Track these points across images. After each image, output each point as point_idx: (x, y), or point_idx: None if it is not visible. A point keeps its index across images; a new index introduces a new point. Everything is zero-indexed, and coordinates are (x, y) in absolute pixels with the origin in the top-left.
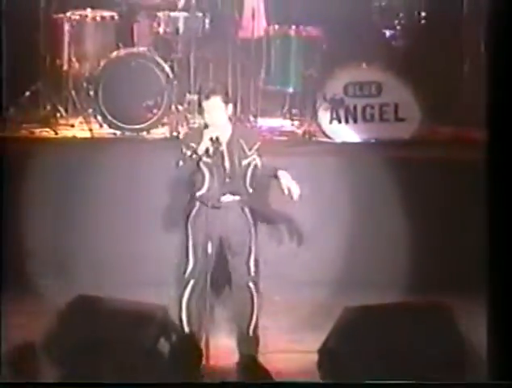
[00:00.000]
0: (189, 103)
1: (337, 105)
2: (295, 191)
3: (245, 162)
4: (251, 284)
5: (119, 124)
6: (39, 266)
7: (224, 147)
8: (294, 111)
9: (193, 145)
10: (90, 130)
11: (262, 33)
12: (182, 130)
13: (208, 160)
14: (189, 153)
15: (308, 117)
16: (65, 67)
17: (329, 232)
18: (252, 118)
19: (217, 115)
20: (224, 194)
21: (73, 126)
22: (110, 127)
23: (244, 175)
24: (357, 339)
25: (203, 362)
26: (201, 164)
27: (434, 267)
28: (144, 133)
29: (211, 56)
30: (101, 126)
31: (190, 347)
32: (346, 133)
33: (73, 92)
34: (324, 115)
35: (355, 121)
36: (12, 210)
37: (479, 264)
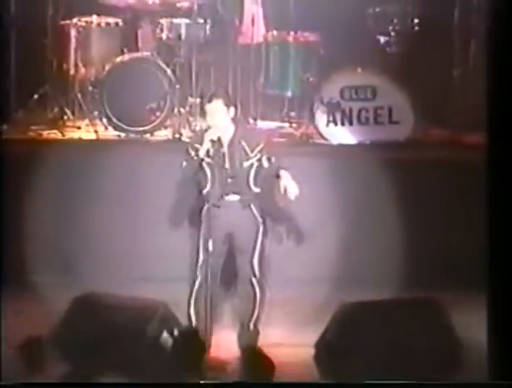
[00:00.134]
0: (191, 106)
1: (334, 108)
2: (293, 192)
3: (247, 163)
4: (254, 281)
5: (123, 126)
6: (47, 263)
7: (225, 148)
8: (292, 114)
9: (198, 146)
10: (96, 132)
11: (261, 39)
12: (185, 132)
13: (210, 161)
14: (193, 153)
15: (305, 120)
16: (72, 71)
17: (326, 231)
18: (252, 121)
19: (219, 118)
20: (227, 194)
21: (79, 128)
22: (115, 129)
23: (247, 176)
24: (353, 334)
25: (206, 355)
26: (204, 164)
27: (428, 265)
28: (148, 135)
29: (212, 60)
30: (106, 128)
31: (193, 341)
32: (342, 135)
33: (79, 95)
34: (321, 118)
35: (351, 124)
36: (20, 209)
37: (478, 264)
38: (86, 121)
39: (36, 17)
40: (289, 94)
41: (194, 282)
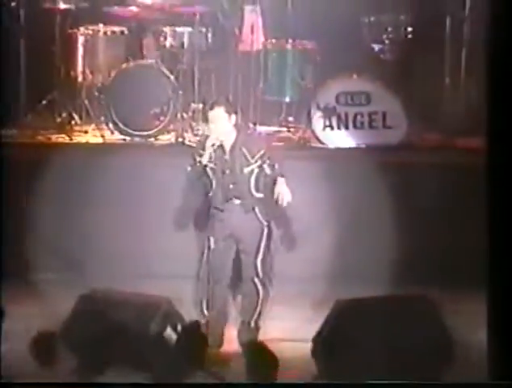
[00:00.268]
0: (193, 112)
1: (330, 113)
2: (285, 198)
3: (247, 169)
4: (257, 281)
5: (128, 130)
6: (55, 262)
7: (227, 154)
8: (290, 118)
9: (201, 152)
10: (102, 136)
11: (261, 47)
12: (187, 136)
13: (213, 166)
14: (198, 159)
15: (303, 124)
16: (79, 78)
17: (324, 231)
18: (251, 125)
19: (221, 125)
20: (230, 198)
21: (86, 132)
22: (120, 133)
23: (248, 181)
24: (348, 330)
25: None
26: (207, 169)
27: (421, 265)
28: (152, 139)
29: (213, 67)
30: (112, 132)
31: (195, 336)
32: (338, 139)
33: (86, 101)
34: (317, 123)
35: (347, 128)
36: (29, 210)
37: (478, 264)
38: (93, 126)
39: (45, 26)
40: (287, 99)
41: (199, 281)
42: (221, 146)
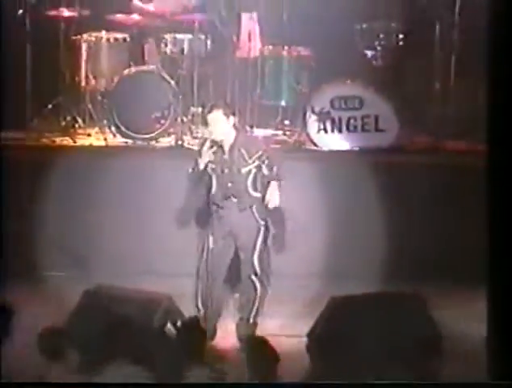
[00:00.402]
0: (193, 115)
1: (324, 117)
2: (272, 202)
3: (245, 170)
4: (254, 278)
5: (130, 133)
6: (60, 259)
7: (226, 154)
8: (286, 122)
9: (200, 157)
10: (105, 139)
11: (258, 53)
12: (187, 139)
13: (214, 166)
14: (198, 162)
15: (298, 128)
16: (83, 83)
17: (318, 230)
18: (249, 128)
19: (220, 127)
20: (228, 197)
21: (89, 135)
22: (122, 136)
23: (245, 181)
24: (341, 325)
25: (207, 343)
26: (208, 169)
27: (413, 262)
28: (153, 142)
29: (212, 73)
30: (114, 135)
31: (195, 331)
32: (332, 142)
33: (89, 105)
34: (312, 126)
35: (340, 131)
36: (35, 210)
37: (477, 264)
38: (96, 129)
39: (50, 33)
40: (283, 103)
41: (198, 277)
42: (221, 147)
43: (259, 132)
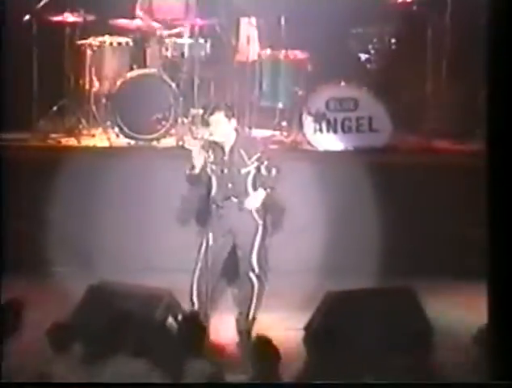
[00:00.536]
0: (193, 117)
1: (320, 118)
2: (250, 204)
3: (244, 170)
4: (252, 276)
5: (133, 134)
6: (65, 256)
7: (226, 155)
8: (283, 123)
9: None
10: (109, 140)
11: (256, 57)
12: (187, 140)
13: (214, 167)
14: (195, 163)
15: (295, 129)
16: (87, 86)
17: (314, 227)
18: (247, 129)
19: (221, 128)
20: (228, 197)
21: (93, 136)
22: (125, 137)
23: (244, 181)
24: (337, 319)
25: (207, 338)
26: (208, 170)
27: (404, 257)
28: (155, 142)
29: (212, 76)
30: (118, 136)
31: (195, 325)
32: (327, 142)
33: (93, 107)
34: (309, 127)
35: (336, 132)
36: (41, 208)
37: (477, 263)
38: (100, 130)
39: (55, 38)
40: (280, 105)
41: (196, 274)
42: (221, 148)
43: (257, 133)
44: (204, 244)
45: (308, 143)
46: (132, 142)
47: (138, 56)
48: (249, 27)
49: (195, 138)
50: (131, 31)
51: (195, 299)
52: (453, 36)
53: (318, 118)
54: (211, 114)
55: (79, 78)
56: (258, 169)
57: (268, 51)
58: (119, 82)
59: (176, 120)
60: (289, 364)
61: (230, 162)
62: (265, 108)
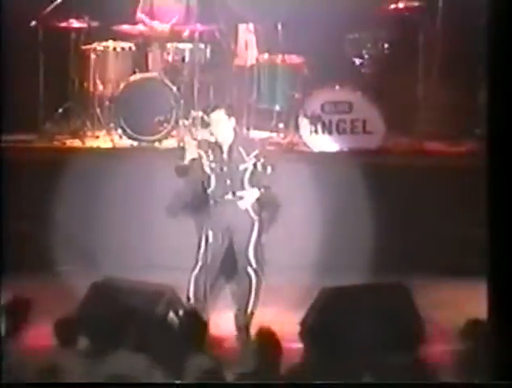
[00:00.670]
0: (193, 119)
1: (316, 120)
2: (243, 204)
3: (242, 167)
4: (250, 270)
5: (135, 136)
6: (70, 254)
7: (225, 153)
8: (280, 125)
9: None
10: (112, 141)
11: (254, 61)
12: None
13: (212, 164)
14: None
15: (291, 130)
16: (91, 89)
17: (310, 225)
18: (245, 131)
19: (221, 126)
20: (226, 193)
21: (97, 138)
22: (128, 138)
23: (242, 178)
24: (332, 314)
25: (207, 333)
26: (206, 167)
27: (396, 254)
28: (157, 144)
29: (211, 80)
30: (121, 138)
31: (196, 320)
32: (323, 144)
33: (98, 110)
34: (305, 129)
35: (331, 134)
36: (47, 208)
37: (477, 263)
38: (104, 132)
39: (61, 43)
40: (277, 108)
41: (195, 269)
42: (220, 147)
43: (255, 135)
44: (204, 241)
45: (305, 144)
46: (135, 143)
47: (140, 61)
48: (247, 33)
49: (195, 139)
50: (133, 36)
51: (193, 295)
52: (444, 41)
53: (314, 120)
54: (212, 111)
55: (84, 81)
56: (255, 166)
57: (266, 55)
58: (122, 86)
59: (177, 122)
60: (287, 359)
61: (229, 160)
62: (263, 111)
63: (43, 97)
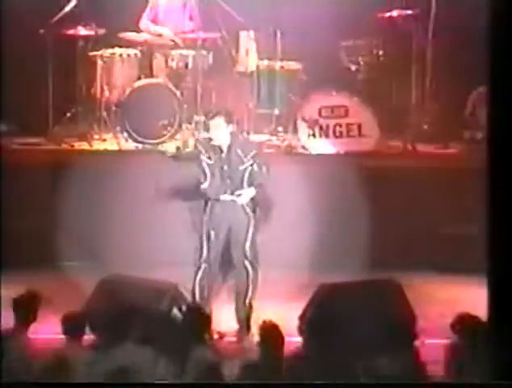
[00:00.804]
0: (196, 123)
1: (313, 124)
2: (241, 200)
3: (241, 167)
4: (247, 263)
5: (140, 139)
6: (78, 251)
7: (224, 155)
8: (279, 129)
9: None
10: (118, 144)
11: (254, 68)
12: (190, 144)
13: (211, 163)
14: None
15: (290, 134)
16: (98, 94)
17: (307, 224)
18: (246, 134)
19: (220, 131)
20: (225, 192)
21: (104, 141)
22: (133, 141)
23: (241, 178)
24: (329, 309)
25: (209, 327)
26: (203, 165)
27: (390, 251)
28: (161, 146)
29: (213, 85)
30: (126, 141)
31: (198, 315)
32: (320, 147)
33: (104, 114)
34: (303, 133)
35: (327, 137)
36: (56, 207)
37: (476, 263)
38: (110, 135)
39: (69, 50)
40: (276, 112)
41: (198, 266)
42: (219, 148)
43: (255, 138)
44: (205, 238)
45: (302, 147)
46: (140, 146)
47: (145, 67)
48: (248, 40)
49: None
50: (139, 44)
51: (197, 291)
52: (435, 49)
53: (311, 124)
54: (212, 118)
55: (91, 87)
56: (252, 166)
57: (265, 62)
58: (127, 91)
59: (180, 126)
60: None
61: (229, 160)
62: (262, 115)
63: (52, 102)
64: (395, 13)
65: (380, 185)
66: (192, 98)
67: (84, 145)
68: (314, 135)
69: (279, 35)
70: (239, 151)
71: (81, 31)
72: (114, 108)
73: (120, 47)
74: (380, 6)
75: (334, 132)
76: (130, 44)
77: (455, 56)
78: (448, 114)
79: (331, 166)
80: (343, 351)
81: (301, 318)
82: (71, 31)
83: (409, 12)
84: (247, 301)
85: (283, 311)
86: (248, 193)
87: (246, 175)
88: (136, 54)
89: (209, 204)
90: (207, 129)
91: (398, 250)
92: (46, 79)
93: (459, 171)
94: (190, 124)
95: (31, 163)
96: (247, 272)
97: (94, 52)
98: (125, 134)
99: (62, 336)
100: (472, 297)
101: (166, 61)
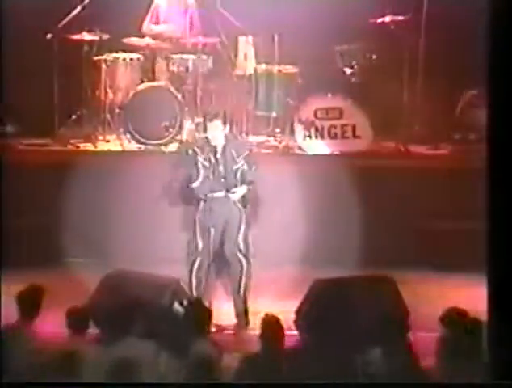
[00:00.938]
0: (196, 125)
1: (309, 126)
2: (234, 196)
3: (235, 167)
4: (240, 255)
5: (143, 140)
6: (83, 248)
7: (219, 155)
8: (276, 130)
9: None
10: (122, 145)
11: (252, 71)
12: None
13: (205, 163)
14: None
15: (287, 135)
16: (102, 97)
17: (303, 222)
18: (244, 135)
19: (217, 133)
20: (220, 190)
21: (108, 142)
22: (136, 142)
23: (235, 177)
24: (324, 304)
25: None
26: (198, 163)
27: (384, 249)
28: (163, 147)
29: (213, 88)
30: (129, 142)
31: (199, 309)
32: (316, 147)
33: (108, 116)
34: (299, 134)
35: (323, 138)
36: (62, 206)
37: (476, 263)
38: (114, 136)
39: (74, 54)
40: (274, 114)
41: (194, 261)
42: (214, 149)
43: (253, 139)
44: (201, 235)
45: (299, 148)
46: (143, 147)
47: (148, 71)
48: (246, 45)
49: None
50: (141, 48)
51: (196, 286)
52: (427, 52)
53: (307, 126)
54: (210, 121)
55: (95, 90)
56: (244, 166)
57: (263, 66)
58: (130, 94)
59: (181, 127)
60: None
61: (223, 161)
62: (260, 117)
63: (58, 104)
64: (387, 18)
65: (374, 184)
66: (192, 100)
67: (89, 146)
68: (310, 136)
69: (276, 40)
70: (233, 152)
71: (86, 36)
72: (117, 110)
73: (124, 51)
74: (373, 12)
75: (329, 133)
76: (133, 49)
77: (446, 59)
78: (439, 115)
79: (326, 166)
80: (339, 344)
81: (297, 312)
82: (76, 36)
83: (401, 18)
84: (241, 291)
85: (280, 305)
86: (240, 191)
87: (238, 174)
88: (138, 58)
89: (206, 201)
90: (205, 130)
91: (391, 249)
92: (52, 82)
93: (450, 171)
94: (190, 125)
95: (37, 163)
96: (241, 264)
97: (99, 57)
98: (128, 135)
99: (67, 330)
100: (471, 297)
101: (168, 65)
